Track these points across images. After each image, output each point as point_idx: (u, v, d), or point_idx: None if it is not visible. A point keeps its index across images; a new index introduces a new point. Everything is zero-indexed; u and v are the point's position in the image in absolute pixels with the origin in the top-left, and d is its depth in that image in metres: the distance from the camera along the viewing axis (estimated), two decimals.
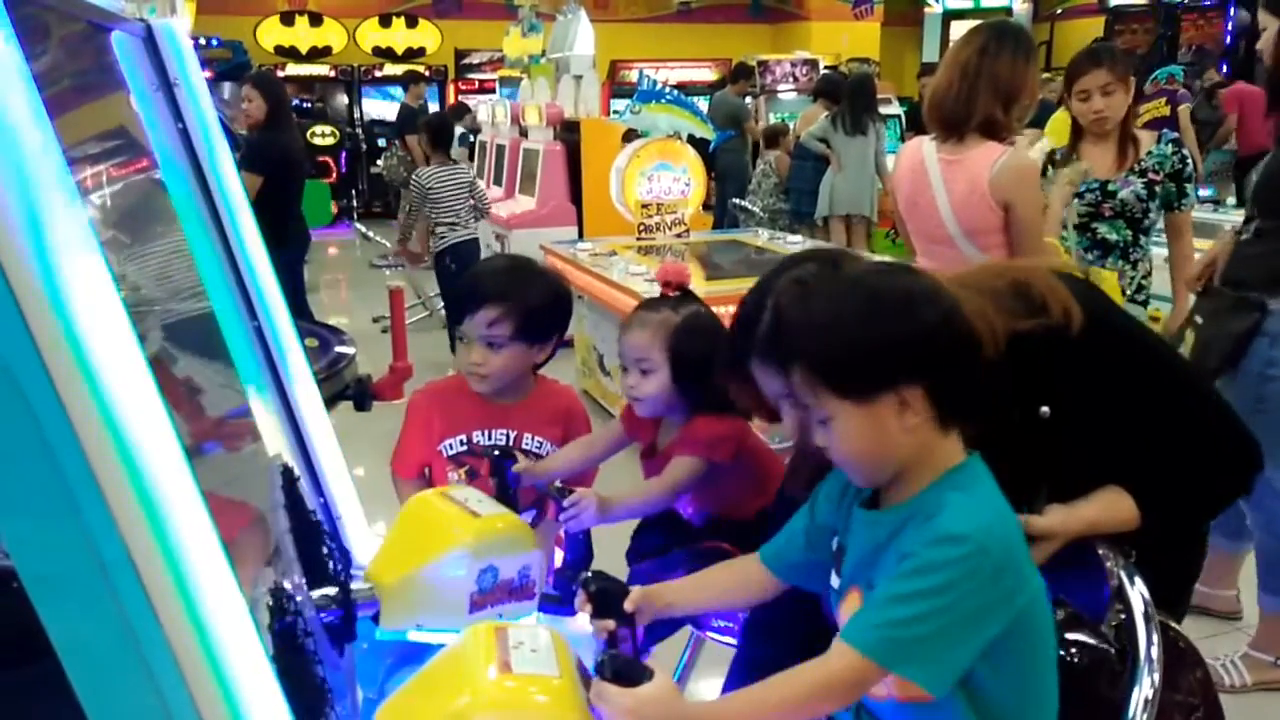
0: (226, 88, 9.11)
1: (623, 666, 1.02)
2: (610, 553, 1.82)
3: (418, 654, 1.26)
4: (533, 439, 1.81)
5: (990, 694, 1.08)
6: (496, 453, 1.68)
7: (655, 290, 1.80)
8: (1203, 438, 1.36)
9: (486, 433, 1.80)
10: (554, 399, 1.88)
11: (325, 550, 1.23)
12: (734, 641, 1.65)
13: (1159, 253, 3.16)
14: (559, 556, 1.82)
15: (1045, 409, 1.31)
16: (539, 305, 1.74)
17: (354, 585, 1.20)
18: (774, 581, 1.31)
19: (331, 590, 1.17)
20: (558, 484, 1.67)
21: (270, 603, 0.97)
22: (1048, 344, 1.28)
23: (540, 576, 1.32)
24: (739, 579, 1.33)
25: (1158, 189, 2.91)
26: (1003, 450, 1.23)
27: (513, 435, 1.80)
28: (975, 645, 1.04)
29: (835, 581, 1.21)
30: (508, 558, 1.25)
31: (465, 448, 1.80)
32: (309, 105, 12.06)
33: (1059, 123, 4.73)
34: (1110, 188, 2.91)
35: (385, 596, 1.21)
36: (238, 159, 4.21)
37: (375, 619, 1.22)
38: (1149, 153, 2.93)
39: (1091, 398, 1.31)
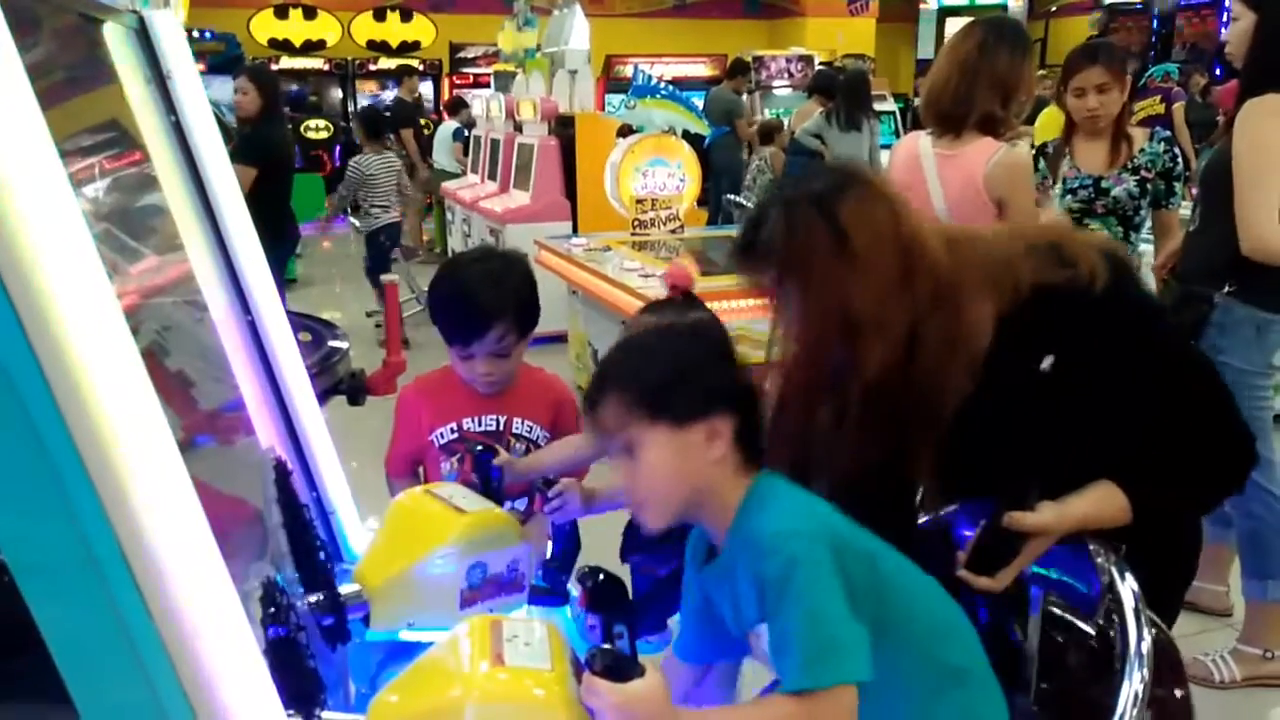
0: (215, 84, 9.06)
1: (614, 661, 1.02)
2: (602, 548, 1.83)
3: (410, 648, 1.26)
4: (523, 423, 1.82)
5: (888, 664, 1.07)
6: (479, 449, 1.67)
7: (650, 286, 1.80)
8: (1201, 423, 1.35)
9: (477, 419, 1.80)
10: (544, 387, 1.89)
11: (316, 554, 1.23)
12: None
13: (1146, 249, 3.17)
14: (548, 548, 1.82)
15: (1049, 360, 1.30)
16: (528, 299, 1.76)
17: (342, 588, 1.19)
18: (723, 665, 1.30)
19: (321, 595, 1.17)
20: (542, 477, 1.67)
21: (262, 596, 0.97)
22: (1069, 298, 1.29)
23: (529, 569, 1.32)
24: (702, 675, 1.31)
25: (1149, 186, 2.93)
26: (1001, 404, 1.25)
27: (503, 420, 1.81)
28: (861, 617, 1.05)
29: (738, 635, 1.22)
30: (495, 552, 1.25)
31: (456, 435, 1.80)
32: (303, 95, 12.02)
33: (1049, 118, 4.74)
34: (1104, 185, 2.92)
35: (375, 598, 1.21)
36: (230, 151, 4.18)
37: (366, 620, 1.21)
38: (1141, 150, 2.94)
39: (1099, 360, 1.30)
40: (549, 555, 1.75)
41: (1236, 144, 2.37)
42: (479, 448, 1.67)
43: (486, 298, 1.71)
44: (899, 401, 1.27)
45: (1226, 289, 2.47)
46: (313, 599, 1.16)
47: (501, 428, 1.81)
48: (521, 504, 1.79)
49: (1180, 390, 1.35)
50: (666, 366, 1.12)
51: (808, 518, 1.10)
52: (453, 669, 0.97)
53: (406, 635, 1.27)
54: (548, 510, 1.62)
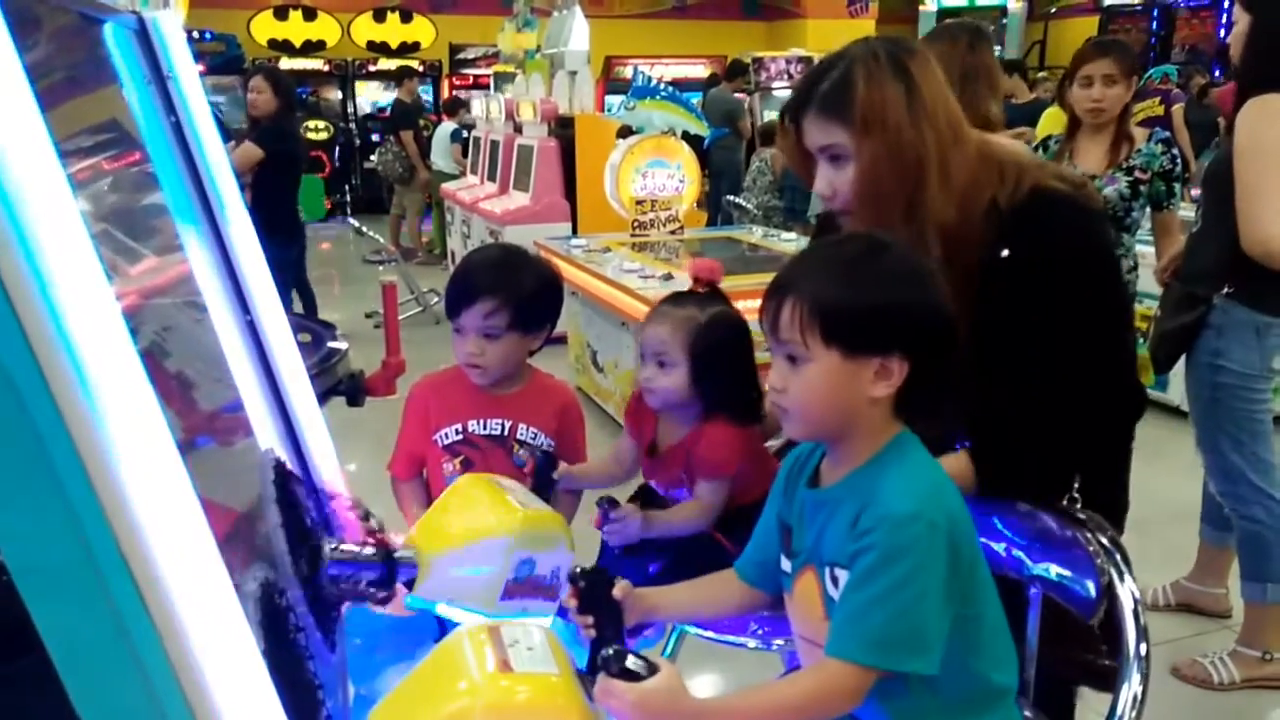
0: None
1: (629, 662, 1.02)
2: (590, 543, 1.83)
3: (409, 649, 1.26)
4: (528, 429, 1.82)
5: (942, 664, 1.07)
6: (541, 454, 1.70)
7: (650, 287, 1.80)
8: (1101, 360, 1.42)
9: (482, 422, 1.80)
10: (551, 394, 1.88)
11: (361, 515, 1.24)
12: (713, 635, 1.65)
13: (1146, 250, 3.17)
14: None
15: (1006, 251, 1.38)
16: (532, 294, 1.76)
17: (398, 550, 1.19)
18: (754, 592, 1.30)
19: (373, 549, 1.18)
20: (609, 495, 1.71)
21: (261, 597, 0.96)
22: (1060, 200, 1.40)
23: (566, 580, 1.32)
24: (726, 589, 1.32)
25: (1143, 188, 2.93)
26: (960, 281, 1.31)
27: (508, 425, 1.80)
28: (950, 613, 1.05)
29: (786, 565, 1.21)
30: (545, 554, 1.24)
31: (461, 437, 1.80)
32: (303, 95, 12.05)
33: (1050, 119, 4.75)
34: (1096, 184, 2.93)
35: (425, 566, 1.21)
36: (242, 144, 4.14)
37: (409, 585, 1.21)
38: (1138, 151, 2.94)
39: (1048, 261, 1.38)
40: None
41: (1237, 144, 2.37)
42: (540, 454, 1.71)
43: (481, 271, 1.76)
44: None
45: (1226, 291, 2.48)
46: (369, 551, 1.17)
47: (506, 432, 1.81)
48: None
49: (1099, 328, 1.41)
50: (857, 295, 1.08)
51: (938, 502, 1.07)
52: (458, 676, 0.96)
53: (444, 610, 1.27)
54: (607, 530, 1.64)
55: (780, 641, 1.64)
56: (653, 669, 1.01)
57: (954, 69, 2.52)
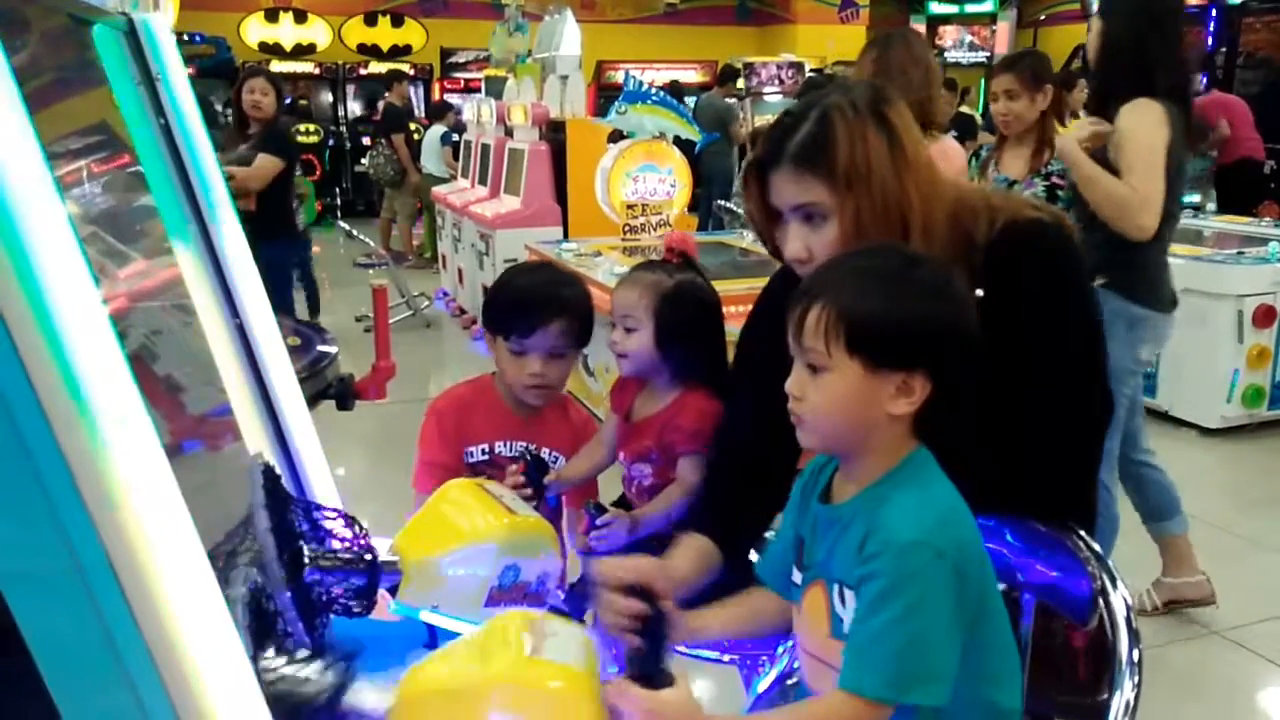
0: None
1: (647, 668, 1.02)
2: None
3: (399, 655, 1.25)
4: (550, 453, 1.81)
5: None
6: (529, 458, 1.68)
7: None
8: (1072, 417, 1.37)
9: (509, 444, 1.79)
10: (566, 413, 1.88)
11: (345, 522, 1.23)
12: (685, 650, 1.63)
13: None
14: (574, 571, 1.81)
15: (980, 292, 1.29)
16: (586, 310, 1.79)
17: (382, 556, 1.18)
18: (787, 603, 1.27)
19: (359, 555, 1.16)
20: (595, 500, 1.69)
21: (250, 602, 0.96)
22: (1027, 229, 1.34)
23: (554, 587, 1.31)
24: (766, 602, 1.28)
25: (1060, 193, 2.98)
26: None
27: (532, 448, 1.80)
28: (959, 643, 1.03)
29: (796, 576, 1.19)
30: (531, 560, 1.24)
31: (487, 457, 1.79)
32: (293, 101, 12.04)
33: None
34: (1015, 188, 3.00)
35: (408, 572, 1.20)
36: (254, 145, 4.12)
37: (393, 591, 1.20)
38: (1055, 159, 3.00)
39: (1022, 301, 1.31)
40: (577, 579, 1.74)
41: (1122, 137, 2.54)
42: (529, 457, 1.70)
43: (556, 290, 1.78)
44: None
45: (1100, 282, 2.55)
46: (349, 555, 1.16)
47: (529, 456, 1.81)
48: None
49: (1071, 375, 1.36)
50: (888, 307, 1.05)
51: (947, 529, 1.04)
52: (487, 651, 0.96)
53: (427, 617, 1.25)
54: (594, 537, 1.62)
55: (764, 656, 1.62)
56: (669, 680, 1.00)
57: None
